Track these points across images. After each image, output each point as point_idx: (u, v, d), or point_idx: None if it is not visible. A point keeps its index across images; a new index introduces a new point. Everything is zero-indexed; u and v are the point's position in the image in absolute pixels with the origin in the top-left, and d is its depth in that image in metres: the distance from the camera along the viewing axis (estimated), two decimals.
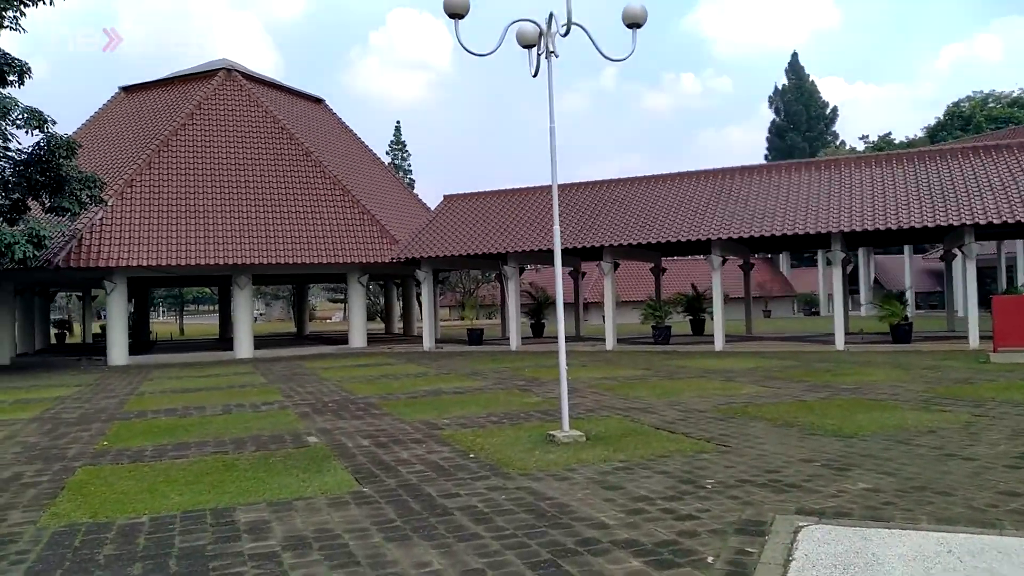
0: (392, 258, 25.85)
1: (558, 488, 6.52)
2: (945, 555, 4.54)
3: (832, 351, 20.30)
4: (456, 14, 8.60)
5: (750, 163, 25.69)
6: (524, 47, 9.10)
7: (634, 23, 9.02)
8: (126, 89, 31.51)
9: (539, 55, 9.04)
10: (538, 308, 31.12)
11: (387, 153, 74.72)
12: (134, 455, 8.75)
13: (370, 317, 67.94)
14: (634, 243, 22.57)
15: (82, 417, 12.11)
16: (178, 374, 19.77)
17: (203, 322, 68.85)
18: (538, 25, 8.93)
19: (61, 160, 20.46)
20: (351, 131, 35.22)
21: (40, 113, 19.53)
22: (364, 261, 26.01)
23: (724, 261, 23.29)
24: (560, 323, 9.15)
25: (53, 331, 39.46)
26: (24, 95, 31.00)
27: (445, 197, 28.43)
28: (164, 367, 22.44)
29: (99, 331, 48.21)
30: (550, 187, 27.29)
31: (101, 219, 23.62)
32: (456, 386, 14.69)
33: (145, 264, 23.29)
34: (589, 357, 20.63)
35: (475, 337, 26.54)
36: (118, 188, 24.55)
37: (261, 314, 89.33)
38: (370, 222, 27.10)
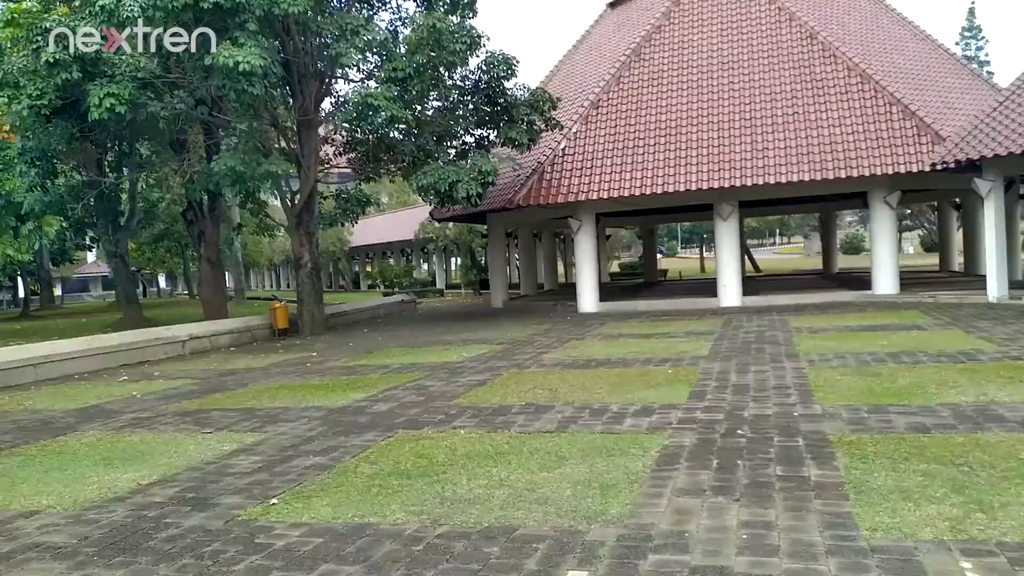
0: (934, 163, 17.26)
1: None
2: None
3: None
4: None
5: None
6: None
7: None
8: (611, 5, 28.38)
9: None
10: None
11: (956, 44, 59.51)
12: None
13: (928, 250, 55.34)
14: None
15: (352, 424, 8.62)
16: (623, 331, 15.66)
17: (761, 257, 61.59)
18: None
19: (502, 81, 17.99)
20: (882, 3, 26.03)
21: (472, 29, 17.04)
22: (891, 172, 18.02)
23: None
24: None
25: None
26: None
27: None
28: (625, 318, 18.67)
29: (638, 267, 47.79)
30: None
31: (563, 149, 20.79)
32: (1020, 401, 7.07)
33: (607, 196, 19.71)
34: None
35: None
36: (582, 112, 21.40)
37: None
38: (902, 115, 18.74)
